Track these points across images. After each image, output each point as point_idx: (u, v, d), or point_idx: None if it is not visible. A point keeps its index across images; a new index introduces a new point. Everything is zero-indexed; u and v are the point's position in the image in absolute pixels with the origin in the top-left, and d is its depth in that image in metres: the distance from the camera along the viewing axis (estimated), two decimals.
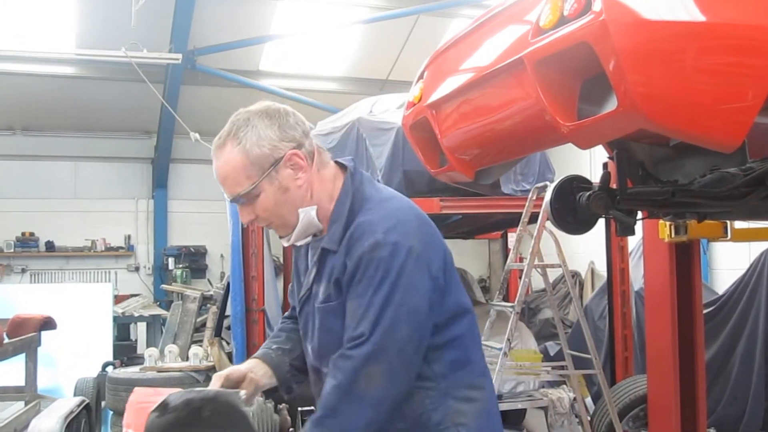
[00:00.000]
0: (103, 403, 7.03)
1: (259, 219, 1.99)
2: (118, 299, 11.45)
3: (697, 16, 2.09)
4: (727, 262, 9.64)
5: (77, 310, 8.99)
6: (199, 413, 1.80)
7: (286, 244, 2.06)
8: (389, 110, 7.21)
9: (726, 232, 4.73)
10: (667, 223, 4.55)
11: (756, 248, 7.08)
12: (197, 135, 9.17)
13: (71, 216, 13.59)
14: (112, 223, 13.81)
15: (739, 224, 4.85)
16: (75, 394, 6.77)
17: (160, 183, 14.08)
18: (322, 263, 1.99)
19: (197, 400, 1.83)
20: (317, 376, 2.05)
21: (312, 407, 2.09)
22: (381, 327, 1.83)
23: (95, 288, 11.44)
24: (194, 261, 13.78)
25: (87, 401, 6.06)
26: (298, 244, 2.05)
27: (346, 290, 1.92)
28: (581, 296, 11.06)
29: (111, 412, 6.71)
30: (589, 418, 5.76)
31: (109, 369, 7.58)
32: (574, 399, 5.99)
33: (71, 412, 5.31)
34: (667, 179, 3.19)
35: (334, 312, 1.96)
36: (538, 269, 5.80)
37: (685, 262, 4.79)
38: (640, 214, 3.50)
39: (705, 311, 5.79)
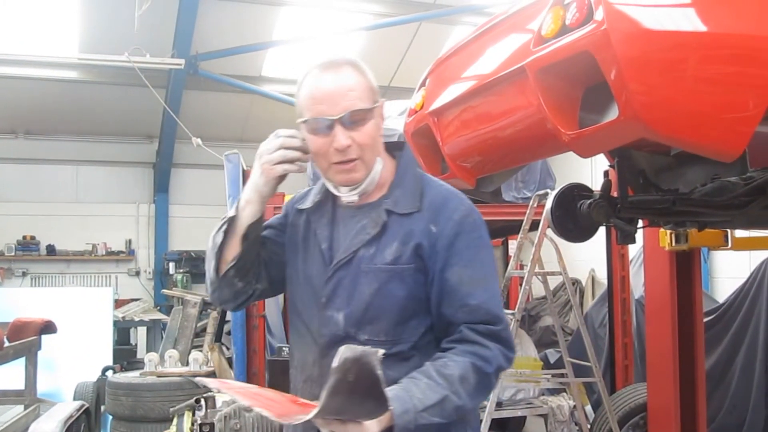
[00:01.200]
0: (102, 408, 7.02)
1: (354, 148, 1.90)
2: (118, 303, 11.45)
3: (698, 26, 2.10)
4: (728, 271, 9.64)
5: (78, 314, 8.98)
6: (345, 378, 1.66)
7: (348, 196, 1.98)
8: (391, 117, 7.21)
9: (727, 241, 4.74)
10: (668, 232, 4.56)
11: (756, 257, 7.08)
12: (199, 140, 9.19)
13: (72, 220, 13.61)
14: (113, 227, 13.83)
15: (740, 233, 4.86)
16: (75, 399, 6.77)
17: (161, 187, 14.10)
18: (386, 226, 1.96)
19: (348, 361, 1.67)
20: (339, 344, 1.79)
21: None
22: (499, 305, 1.97)
23: (96, 292, 11.43)
24: (195, 266, 13.77)
25: (86, 406, 6.06)
26: (349, 199, 1.98)
27: (442, 255, 1.93)
28: (582, 304, 11.05)
29: (110, 417, 6.70)
30: (589, 426, 5.75)
31: (109, 373, 7.57)
32: (574, 407, 5.99)
33: (71, 417, 5.31)
34: (668, 188, 3.20)
35: (400, 276, 1.92)
36: (539, 276, 5.80)
37: (686, 270, 4.79)
38: (640, 223, 3.51)
39: (705, 320, 5.79)
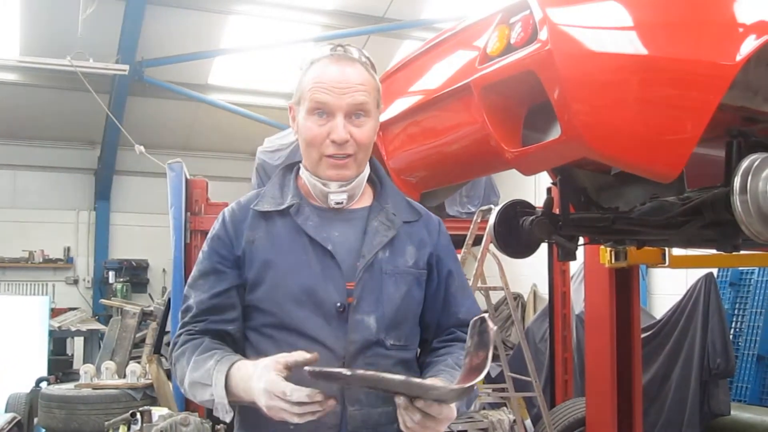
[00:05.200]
0: (35, 420, 6.83)
1: (351, 144, 1.84)
2: (55, 313, 11.16)
3: (639, 49, 2.15)
4: (665, 288, 9.84)
5: (12, 323, 8.74)
6: None
7: (338, 195, 1.88)
8: None
9: (664, 259, 4.84)
10: (608, 249, 4.64)
11: (693, 275, 7.24)
12: (142, 147, 9.03)
13: (8, 226, 13.24)
14: (51, 234, 13.50)
15: (677, 251, 4.96)
16: (6, 411, 6.58)
17: (102, 195, 13.84)
18: (399, 231, 1.93)
19: None
20: (370, 350, 1.83)
21: None
22: (479, 309, 1.98)
23: (31, 301, 11.13)
24: (135, 275, 13.53)
25: (19, 418, 5.90)
26: (338, 198, 1.88)
27: (443, 264, 1.97)
28: (523, 319, 11.16)
29: (43, 430, 6.52)
30: None
31: (43, 385, 7.38)
32: (514, 421, 6.02)
33: (1, 430, 5.15)
34: (609, 206, 3.26)
35: (419, 280, 1.93)
36: (481, 291, 5.84)
37: (625, 287, 4.88)
38: (581, 240, 3.56)
39: (643, 335, 5.90)
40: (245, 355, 1.84)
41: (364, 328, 1.83)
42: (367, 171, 1.95)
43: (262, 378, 1.62)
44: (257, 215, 1.92)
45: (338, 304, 1.82)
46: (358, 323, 1.83)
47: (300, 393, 1.57)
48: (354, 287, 1.84)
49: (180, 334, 1.89)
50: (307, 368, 1.55)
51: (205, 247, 1.96)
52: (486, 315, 1.65)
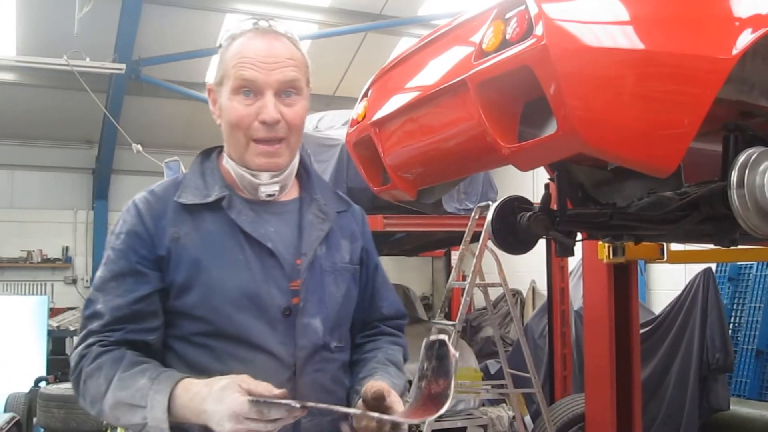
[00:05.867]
0: (34, 420, 6.83)
1: (283, 126, 1.67)
2: (53, 312, 11.16)
3: (636, 43, 2.14)
4: (664, 283, 9.84)
5: (10, 323, 8.74)
6: None
7: (269, 186, 1.71)
8: (334, 126, 7.22)
9: (663, 254, 4.84)
10: (606, 245, 4.64)
11: (692, 270, 7.24)
12: (140, 146, 9.02)
13: (6, 226, 13.22)
14: (49, 234, 13.48)
15: (676, 246, 4.96)
16: (6, 410, 6.58)
17: (100, 194, 13.81)
18: (333, 225, 1.80)
19: None
20: (318, 354, 1.70)
21: None
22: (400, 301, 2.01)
23: (30, 300, 11.12)
24: None
25: (17, 418, 5.89)
26: (269, 191, 1.71)
27: (370, 257, 1.90)
28: (522, 315, 11.17)
29: (42, 430, 6.52)
30: None
31: (42, 384, 7.38)
32: (514, 417, 6.03)
33: (1, 429, 5.15)
34: (606, 201, 3.25)
35: (354, 276, 1.82)
36: (480, 288, 5.84)
37: (623, 282, 4.88)
38: (579, 235, 3.56)
39: (642, 331, 5.90)
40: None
41: (311, 332, 1.69)
42: (298, 158, 1.78)
43: (225, 400, 1.43)
44: (180, 208, 1.70)
45: (283, 308, 1.66)
46: (305, 327, 1.68)
47: (279, 409, 1.42)
48: (299, 288, 1.68)
49: (89, 345, 1.61)
50: (249, 398, 1.41)
51: (116, 243, 1.68)
52: (445, 338, 1.56)
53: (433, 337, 1.56)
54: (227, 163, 1.75)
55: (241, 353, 1.63)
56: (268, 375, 1.57)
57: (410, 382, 1.69)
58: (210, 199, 1.69)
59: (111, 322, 1.62)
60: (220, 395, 1.44)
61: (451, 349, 1.54)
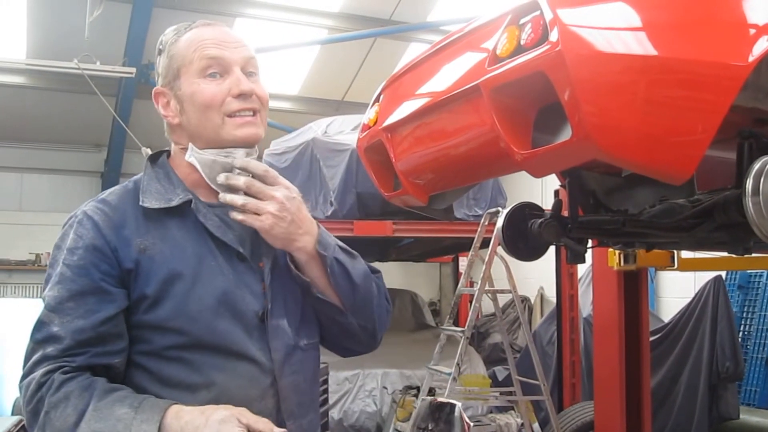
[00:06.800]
0: None
1: (255, 99, 1.65)
2: None
3: (650, 50, 2.12)
4: (674, 291, 9.81)
5: (19, 326, 8.74)
6: None
7: (239, 161, 1.63)
8: (344, 132, 7.22)
9: (673, 262, 4.82)
10: (617, 252, 4.62)
11: (701, 277, 7.21)
12: (149, 150, 9.02)
13: (15, 228, 13.26)
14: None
15: (686, 254, 4.94)
16: (12, 413, 6.57)
17: None
18: None
19: None
20: (293, 356, 1.67)
21: None
22: None
23: (38, 303, 11.13)
24: None
25: (24, 421, 5.88)
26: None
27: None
28: (530, 321, 11.14)
29: None
30: None
31: None
32: (522, 425, 6.00)
33: None
34: (618, 208, 3.24)
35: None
36: (489, 294, 5.82)
37: (633, 289, 4.86)
38: (590, 242, 3.54)
39: (651, 339, 5.88)
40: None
41: (282, 334, 1.65)
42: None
43: None
44: (142, 216, 1.62)
45: (260, 312, 1.62)
46: (276, 330, 1.64)
47: None
48: (266, 291, 1.64)
49: (48, 372, 1.49)
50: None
51: (71, 259, 1.56)
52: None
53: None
54: (192, 158, 1.67)
55: (222, 363, 1.57)
56: (252, 382, 1.58)
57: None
58: (174, 203, 1.62)
59: (72, 347, 1.50)
60: (218, 429, 1.38)
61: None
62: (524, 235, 3.44)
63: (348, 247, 1.77)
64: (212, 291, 1.58)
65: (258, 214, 1.59)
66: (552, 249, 4.45)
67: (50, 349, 1.51)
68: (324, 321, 1.75)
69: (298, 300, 1.70)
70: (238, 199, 1.59)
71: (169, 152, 1.78)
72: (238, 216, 1.59)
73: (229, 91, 1.62)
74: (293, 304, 1.69)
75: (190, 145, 1.67)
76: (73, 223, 1.61)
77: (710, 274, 6.60)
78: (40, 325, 1.56)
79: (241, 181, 1.59)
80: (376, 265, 2.28)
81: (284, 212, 1.60)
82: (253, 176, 1.61)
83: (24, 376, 1.53)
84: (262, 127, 1.68)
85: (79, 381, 1.48)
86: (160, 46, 1.74)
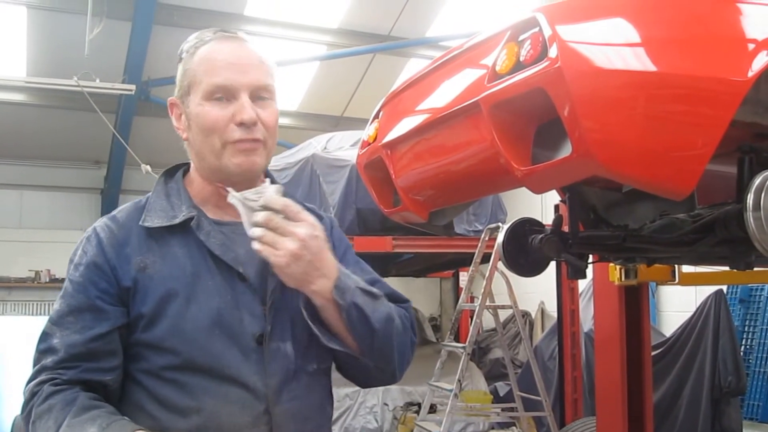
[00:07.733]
0: None
1: (261, 128, 1.61)
2: None
3: (649, 65, 2.13)
4: (674, 305, 9.78)
5: (18, 344, 8.72)
6: None
7: (233, 193, 1.56)
8: (344, 147, 7.23)
9: (674, 276, 4.81)
10: (617, 267, 4.61)
11: (703, 292, 7.19)
12: (149, 167, 9.03)
13: (15, 246, 13.24)
14: (58, 253, 13.40)
15: (687, 268, 4.93)
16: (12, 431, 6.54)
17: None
18: None
19: None
20: (291, 382, 1.61)
21: None
22: None
23: (37, 321, 11.11)
24: None
25: None
26: (251, 196, 1.55)
27: (346, 261, 1.77)
28: (531, 337, 11.11)
29: None
30: None
31: None
32: None
33: None
34: (618, 223, 3.23)
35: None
36: (489, 309, 5.81)
37: (635, 304, 4.84)
38: (591, 257, 3.53)
39: (653, 353, 5.85)
40: (127, 406, 1.55)
41: (282, 357, 1.59)
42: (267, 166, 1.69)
43: None
44: (146, 234, 1.61)
45: (258, 335, 1.57)
46: (275, 352, 1.58)
47: None
48: (267, 312, 1.59)
49: (41, 382, 1.52)
50: None
51: (74, 275, 1.60)
52: None
53: None
54: (196, 179, 1.68)
55: (214, 387, 1.54)
56: (243, 409, 1.54)
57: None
58: (177, 221, 1.60)
59: (65, 359, 1.52)
60: None
61: None
62: (525, 250, 3.44)
63: (371, 288, 1.65)
64: (207, 311, 1.55)
65: (275, 249, 1.50)
66: (553, 264, 4.43)
67: (48, 360, 1.54)
68: (338, 356, 1.68)
69: (305, 323, 1.61)
70: (257, 231, 1.50)
71: (188, 166, 1.75)
72: (256, 246, 1.51)
73: (233, 118, 1.58)
74: (302, 327, 1.61)
75: (195, 168, 1.68)
76: (84, 238, 1.65)
77: (711, 288, 6.59)
78: (44, 336, 1.59)
79: (260, 216, 1.51)
80: None
81: (303, 250, 1.49)
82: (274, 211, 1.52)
83: (26, 384, 1.57)
84: (265, 156, 1.63)
85: (65, 395, 1.49)
86: (180, 54, 1.70)
